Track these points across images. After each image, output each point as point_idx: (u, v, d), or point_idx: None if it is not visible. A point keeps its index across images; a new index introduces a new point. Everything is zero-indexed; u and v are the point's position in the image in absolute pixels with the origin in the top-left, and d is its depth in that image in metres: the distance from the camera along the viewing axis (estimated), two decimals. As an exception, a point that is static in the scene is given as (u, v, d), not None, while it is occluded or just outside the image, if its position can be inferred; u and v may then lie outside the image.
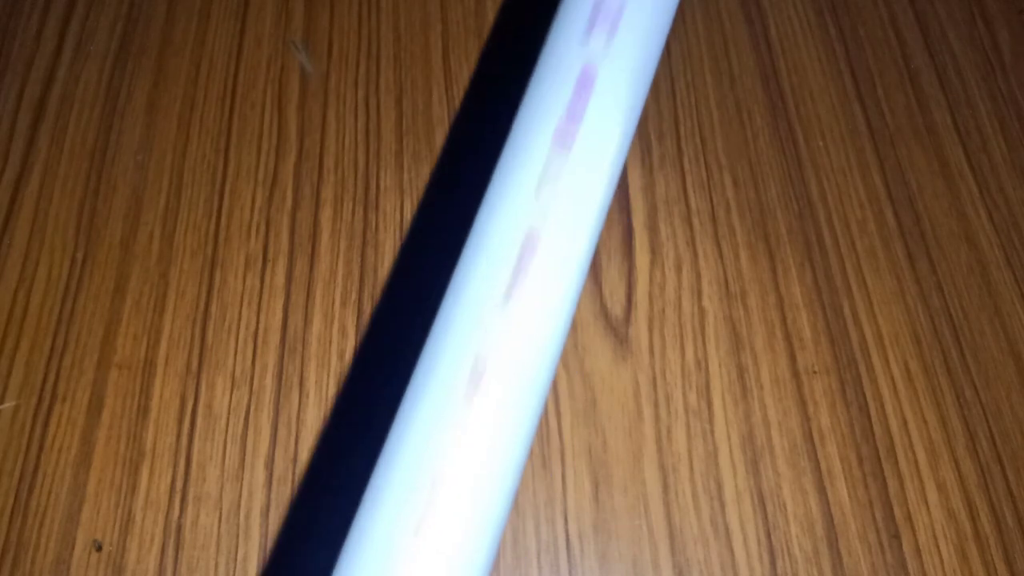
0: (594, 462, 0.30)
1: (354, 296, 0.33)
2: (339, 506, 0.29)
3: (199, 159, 0.36)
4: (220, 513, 0.29)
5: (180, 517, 0.29)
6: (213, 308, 0.32)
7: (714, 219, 0.35)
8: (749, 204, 0.35)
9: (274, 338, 0.32)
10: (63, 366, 0.31)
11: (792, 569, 0.28)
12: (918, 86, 0.39)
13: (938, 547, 0.29)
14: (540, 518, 0.29)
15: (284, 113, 0.37)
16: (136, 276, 0.33)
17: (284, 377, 0.31)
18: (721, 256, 0.34)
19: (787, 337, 0.32)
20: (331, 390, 0.31)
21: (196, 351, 0.31)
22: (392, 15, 0.40)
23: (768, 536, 0.29)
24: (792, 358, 0.32)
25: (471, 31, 0.39)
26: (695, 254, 0.34)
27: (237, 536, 0.28)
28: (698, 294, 0.33)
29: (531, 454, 0.30)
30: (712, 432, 0.30)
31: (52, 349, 0.31)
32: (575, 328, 0.32)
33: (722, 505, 0.29)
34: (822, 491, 0.30)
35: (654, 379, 0.31)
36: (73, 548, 0.28)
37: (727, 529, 0.29)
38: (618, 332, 0.32)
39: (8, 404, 0.30)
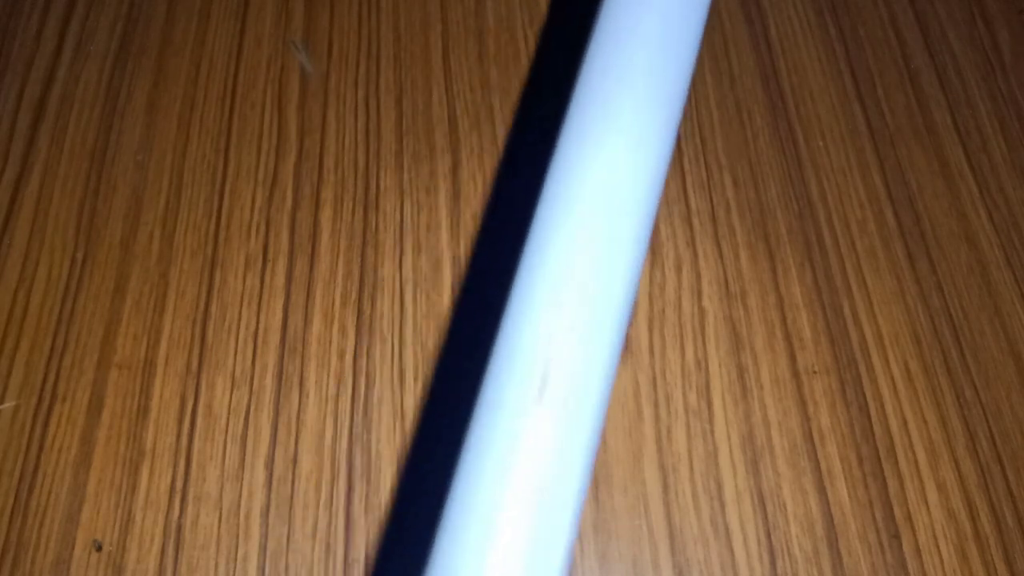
0: (594, 462, 0.30)
1: (354, 296, 0.33)
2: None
3: (199, 159, 0.36)
4: (220, 513, 0.29)
5: (180, 517, 0.29)
6: (213, 308, 0.32)
7: (714, 219, 0.35)
8: (749, 204, 0.35)
9: (274, 338, 0.32)
10: (63, 366, 0.31)
11: (792, 569, 0.28)
12: (918, 86, 0.39)
13: (938, 547, 0.29)
14: (540, 518, 0.29)
15: (284, 113, 0.37)
16: (136, 276, 0.33)
17: (284, 377, 0.31)
18: (721, 256, 0.34)
19: (787, 337, 0.32)
20: (331, 390, 0.31)
21: (196, 351, 0.31)
22: (392, 15, 0.40)
23: (768, 536, 0.29)
24: (792, 358, 0.32)
25: (471, 31, 0.39)
26: (695, 254, 0.34)
27: (237, 536, 0.28)
28: (698, 294, 0.33)
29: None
30: (712, 432, 0.30)
31: (52, 349, 0.31)
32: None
33: (722, 505, 0.29)
34: (822, 491, 0.30)
35: (654, 379, 0.31)
36: (73, 548, 0.28)
37: (727, 529, 0.29)
38: (618, 332, 0.32)
39: (8, 404, 0.30)
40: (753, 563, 0.28)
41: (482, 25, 0.39)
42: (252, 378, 0.31)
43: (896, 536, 0.29)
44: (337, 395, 0.31)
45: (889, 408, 0.31)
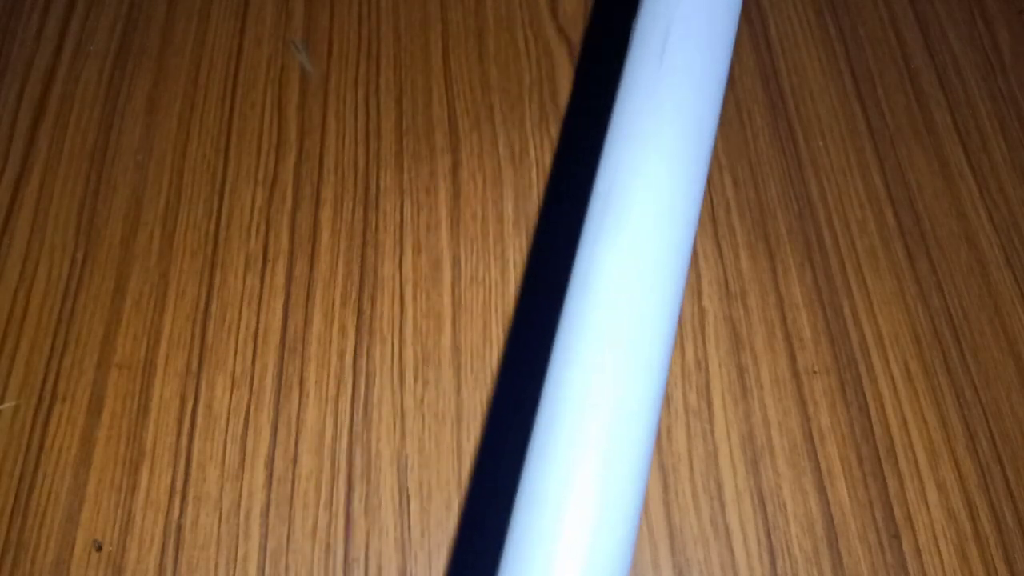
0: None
1: (354, 296, 0.33)
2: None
3: (199, 159, 0.36)
4: (220, 513, 0.29)
5: (180, 517, 0.29)
6: (213, 308, 0.32)
7: (714, 219, 0.35)
8: (749, 204, 0.35)
9: (274, 338, 0.32)
10: (63, 366, 0.31)
11: (792, 569, 0.28)
12: (918, 86, 0.39)
13: (938, 547, 0.29)
14: (540, 518, 0.29)
15: (284, 113, 0.37)
16: (136, 276, 0.33)
17: (284, 377, 0.31)
18: (721, 256, 0.34)
19: (787, 337, 0.32)
20: (331, 390, 0.31)
21: (196, 351, 0.31)
22: (392, 15, 0.40)
23: (768, 536, 0.29)
24: (792, 358, 0.32)
25: (471, 31, 0.39)
26: (695, 254, 0.34)
27: (237, 536, 0.28)
28: (698, 294, 0.33)
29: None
30: (712, 432, 0.30)
31: (52, 349, 0.31)
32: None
33: (722, 505, 0.29)
34: (822, 491, 0.30)
35: (654, 379, 0.31)
36: (73, 548, 0.28)
37: (727, 529, 0.29)
38: (618, 332, 0.32)
39: (8, 404, 0.30)
40: (753, 563, 0.28)
41: (482, 25, 0.39)
42: (252, 378, 0.31)
43: (896, 536, 0.29)
44: (337, 395, 0.31)
45: (889, 408, 0.31)
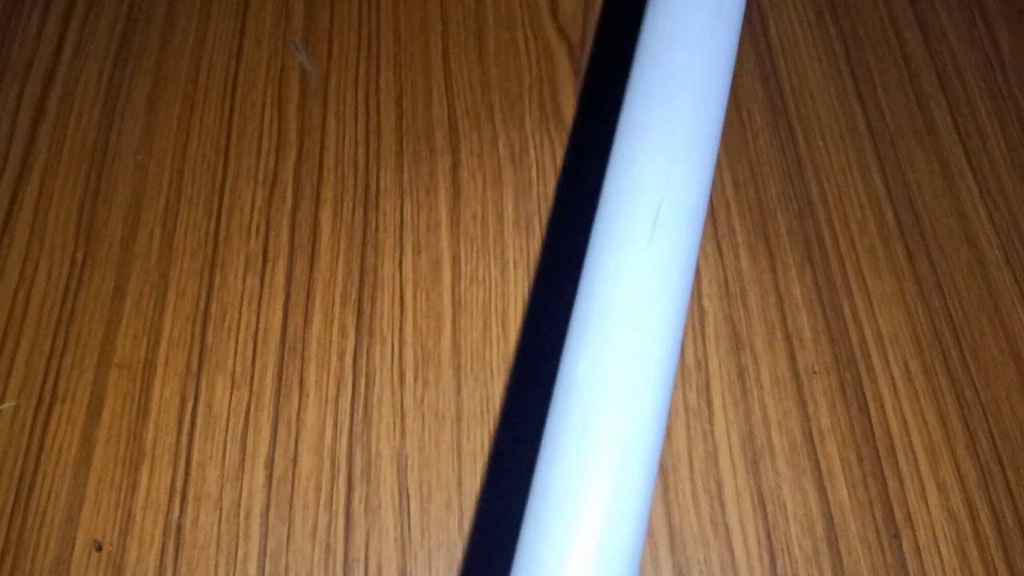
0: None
1: (354, 296, 0.33)
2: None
3: (199, 159, 0.36)
4: (220, 513, 0.29)
5: (180, 517, 0.29)
6: (213, 308, 0.32)
7: (714, 219, 0.35)
8: (749, 204, 0.35)
9: (274, 338, 0.32)
10: (63, 366, 0.31)
11: (792, 569, 0.28)
12: (918, 86, 0.39)
13: (938, 547, 0.29)
14: (540, 518, 0.29)
15: (284, 113, 0.37)
16: (136, 276, 0.33)
17: (284, 377, 0.31)
18: (721, 256, 0.34)
19: (787, 337, 0.32)
20: (331, 390, 0.31)
21: (196, 351, 0.31)
22: (392, 15, 0.40)
23: (768, 536, 0.29)
24: (792, 358, 0.32)
25: (471, 31, 0.39)
26: (695, 254, 0.34)
27: (237, 536, 0.28)
28: (698, 294, 0.33)
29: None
30: (712, 432, 0.30)
31: (52, 349, 0.31)
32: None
33: (722, 505, 0.29)
34: (822, 491, 0.30)
35: (654, 379, 0.31)
36: (73, 548, 0.28)
37: (727, 529, 0.29)
38: (618, 332, 0.32)
39: (8, 404, 0.30)
40: (753, 563, 0.28)
41: (482, 25, 0.39)
42: (252, 378, 0.31)
43: (896, 536, 0.29)
44: (337, 395, 0.31)
45: (889, 408, 0.31)
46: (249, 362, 0.31)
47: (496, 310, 0.32)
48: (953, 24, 0.40)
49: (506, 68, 0.38)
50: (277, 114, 0.37)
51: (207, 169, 0.35)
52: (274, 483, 0.29)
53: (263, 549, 0.28)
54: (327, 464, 0.29)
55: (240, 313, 0.32)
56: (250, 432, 0.30)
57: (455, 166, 0.36)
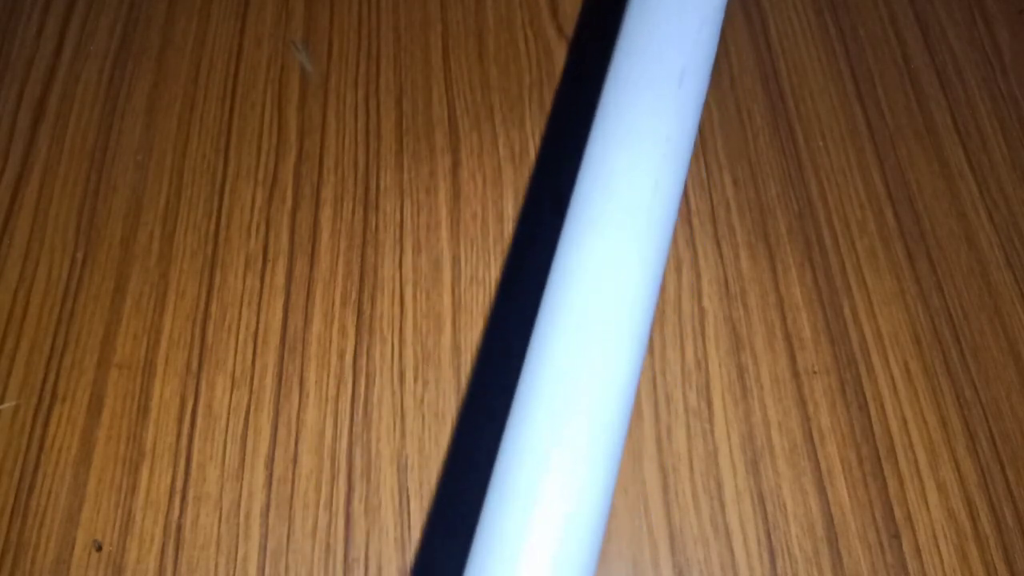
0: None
1: (354, 296, 0.33)
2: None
3: (199, 159, 0.36)
4: (220, 513, 0.29)
5: (180, 517, 0.29)
6: (213, 308, 0.32)
7: (714, 219, 0.35)
8: (749, 204, 0.35)
9: (274, 338, 0.32)
10: (63, 366, 0.31)
11: (792, 569, 0.28)
12: (918, 86, 0.39)
13: (938, 547, 0.29)
14: (540, 518, 0.29)
15: (284, 113, 0.37)
16: (136, 276, 0.33)
17: (284, 377, 0.31)
18: (721, 256, 0.34)
19: (787, 337, 0.32)
20: (331, 390, 0.31)
21: (196, 351, 0.31)
22: (392, 15, 0.40)
23: (768, 536, 0.29)
24: (792, 358, 0.32)
25: (471, 31, 0.39)
26: (695, 254, 0.34)
27: (237, 536, 0.28)
28: (698, 294, 0.33)
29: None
30: (712, 432, 0.30)
31: (52, 349, 0.31)
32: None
33: (722, 505, 0.29)
34: (822, 491, 0.30)
35: (654, 379, 0.31)
36: (73, 548, 0.28)
37: (727, 529, 0.29)
38: (618, 332, 0.32)
39: (8, 404, 0.30)
40: (753, 563, 0.28)
41: (482, 25, 0.39)
42: (252, 378, 0.31)
43: (896, 536, 0.29)
44: (337, 395, 0.31)
45: (889, 408, 0.31)
46: (249, 362, 0.31)
47: (496, 310, 0.32)
48: (953, 24, 0.40)
49: (506, 68, 0.38)
50: (277, 114, 0.37)
51: (207, 169, 0.35)
52: (274, 483, 0.29)
53: (263, 549, 0.28)
54: (327, 464, 0.29)
55: (240, 313, 0.32)
56: (250, 432, 0.30)
57: (455, 166, 0.36)
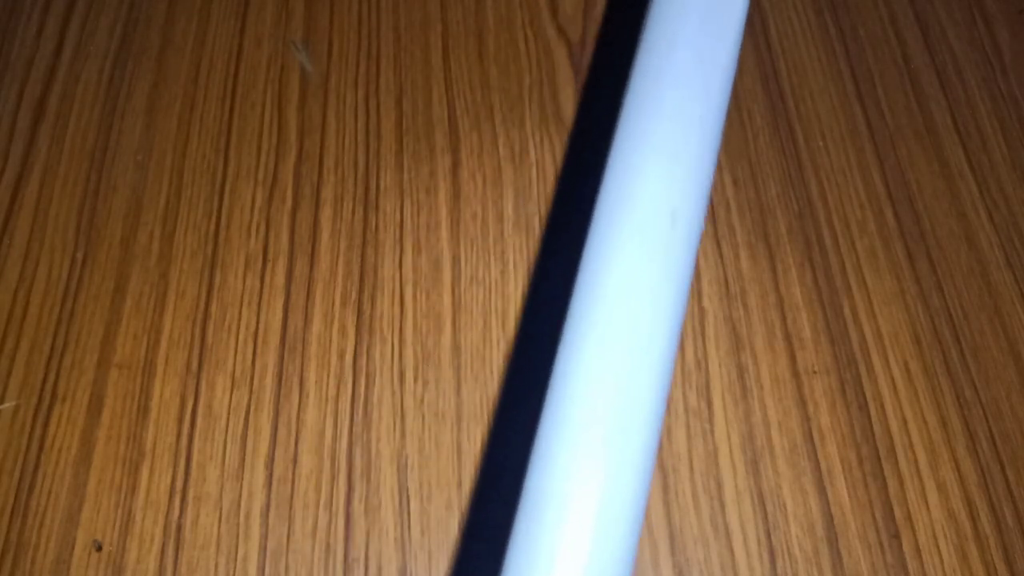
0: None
1: (354, 296, 0.33)
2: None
3: (199, 159, 0.36)
4: (220, 513, 0.29)
5: (180, 517, 0.29)
6: (213, 308, 0.32)
7: (714, 219, 0.35)
8: (749, 204, 0.35)
9: (274, 338, 0.32)
10: (63, 366, 0.31)
11: (792, 569, 0.28)
12: (918, 86, 0.39)
13: (938, 547, 0.29)
14: (540, 518, 0.29)
15: (284, 113, 0.37)
16: (136, 276, 0.33)
17: (284, 377, 0.31)
18: (721, 256, 0.34)
19: (787, 337, 0.32)
20: (331, 390, 0.31)
21: (196, 351, 0.31)
22: (392, 15, 0.40)
23: (768, 536, 0.29)
24: (792, 358, 0.32)
25: (471, 31, 0.39)
26: (695, 254, 0.34)
27: (237, 536, 0.28)
28: (698, 294, 0.33)
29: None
30: (712, 432, 0.30)
31: (52, 349, 0.31)
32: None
33: (722, 505, 0.29)
34: (822, 491, 0.30)
35: (654, 379, 0.31)
36: (73, 548, 0.28)
37: (727, 529, 0.29)
38: (618, 332, 0.32)
39: (8, 404, 0.30)
40: (753, 563, 0.28)
41: (482, 25, 0.39)
42: (252, 378, 0.31)
43: (896, 536, 0.29)
44: (337, 395, 0.31)
45: (889, 408, 0.31)
46: (249, 362, 0.31)
47: (496, 310, 0.32)
48: (953, 24, 0.40)
49: (506, 68, 0.38)
50: (277, 114, 0.37)
51: (207, 169, 0.35)
52: (274, 483, 0.29)
53: (263, 549, 0.28)
54: (327, 464, 0.29)
55: (240, 313, 0.32)
56: (250, 432, 0.30)
57: (455, 166, 0.36)
